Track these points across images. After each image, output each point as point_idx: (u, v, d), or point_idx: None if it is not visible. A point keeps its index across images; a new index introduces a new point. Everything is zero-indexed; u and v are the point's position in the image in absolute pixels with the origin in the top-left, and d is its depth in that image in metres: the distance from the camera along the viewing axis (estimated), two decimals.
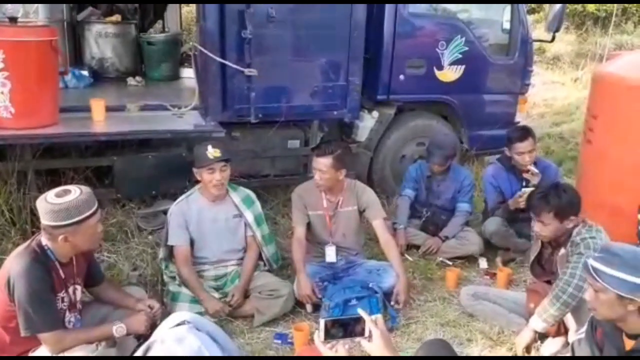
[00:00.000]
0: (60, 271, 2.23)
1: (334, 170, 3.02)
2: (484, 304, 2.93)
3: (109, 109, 3.49)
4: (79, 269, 2.35)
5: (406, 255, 3.56)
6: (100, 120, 3.38)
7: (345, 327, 1.62)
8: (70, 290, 2.30)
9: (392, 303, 2.93)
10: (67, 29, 4.65)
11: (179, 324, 1.99)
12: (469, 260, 3.63)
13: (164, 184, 3.56)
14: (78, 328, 2.30)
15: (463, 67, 4.42)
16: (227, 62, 3.48)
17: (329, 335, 1.61)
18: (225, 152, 2.87)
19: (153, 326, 2.41)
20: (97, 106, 3.39)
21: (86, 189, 2.22)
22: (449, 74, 4.41)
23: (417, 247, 3.74)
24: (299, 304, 2.98)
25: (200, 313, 2.80)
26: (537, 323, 2.47)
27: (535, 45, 6.03)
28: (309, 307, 2.96)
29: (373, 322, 1.61)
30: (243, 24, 3.42)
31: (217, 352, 2.00)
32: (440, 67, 4.36)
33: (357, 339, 1.63)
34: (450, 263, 3.56)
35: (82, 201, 2.14)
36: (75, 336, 2.20)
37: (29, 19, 4.29)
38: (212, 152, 2.82)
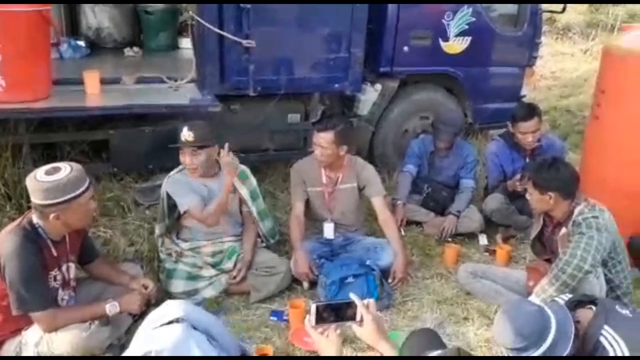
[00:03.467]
0: (53, 249, 2.21)
1: (335, 145, 2.97)
2: (483, 282, 2.90)
3: (104, 82, 3.41)
4: (72, 247, 2.34)
5: (402, 231, 3.49)
6: (94, 93, 3.30)
7: (337, 311, 1.61)
8: (64, 268, 2.29)
9: (389, 281, 2.91)
10: None
11: (171, 322, 1.94)
12: (469, 236, 3.59)
13: (161, 158, 3.50)
14: (71, 306, 2.30)
15: (469, 38, 4.28)
16: (224, 33, 3.38)
17: (320, 319, 1.60)
18: (203, 135, 2.76)
19: (148, 304, 2.41)
20: (91, 79, 3.31)
21: (77, 166, 2.18)
22: (455, 45, 4.27)
23: (417, 223, 3.71)
24: (296, 281, 2.96)
25: (195, 290, 2.82)
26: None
27: (545, 15, 5.85)
28: (305, 285, 2.95)
29: (365, 307, 1.60)
30: None
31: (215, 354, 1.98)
32: (446, 39, 4.23)
33: (349, 323, 1.62)
34: (450, 239, 3.52)
35: (73, 179, 2.11)
36: (67, 315, 2.20)
37: None
38: (185, 134, 2.73)
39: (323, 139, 2.94)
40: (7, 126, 3.26)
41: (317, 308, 1.59)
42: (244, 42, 3.40)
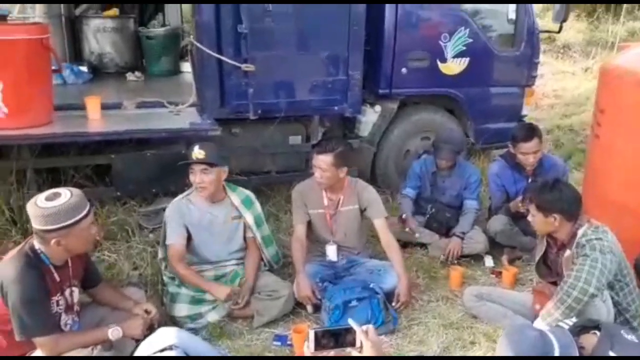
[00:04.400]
0: (55, 274, 2.20)
1: (335, 168, 2.96)
2: (488, 305, 2.86)
3: (105, 107, 3.45)
4: (75, 272, 2.33)
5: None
6: (95, 118, 3.33)
7: (336, 337, 1.59)
8: (67, 292, 2.28)
9: (393, 304, 2.88)
10: (65, 24, 4.61)
11: (164, 349, 1.92)
12: (475, 258, 3.56)
13: (164, 182, 3.52)
14: (74, 331, 2.29)
15: (467, 59, 4.32)
16: (223, 58, 3.41)
17: (319, 346, 1.58)
18: (214, 155, 2.78)
19: (151, 328, 2.39)
20: (92, 104, 3.34)
21: (77, 191, 2.18)
22: (453, 66, 4.31)
23: (421, 245, 3.68)
24: (299, 305, 2.93)
25: (199, 314, 2.80)
26: (541, 327, 2.40)
27: (545, 34, 5.89)
28: (309, 308, 2.91)
29: (364, 333, 1.58)
30: (238, 18, 3.35)
31: None
32: (444, 60, 4.27)
33: (348, 349, 1.60)
34: (455, 261, 3.48)
35: (72, 204, 2.11)
36: (70, 340, 2.19)
37: (26, 15, 4.25)
38: (196, 152, 2.75)
39: (322, 162, 2.94)
40: (11, 152, 3.29)
41: (316, 334, 1.58)
42: (243, 66, 3.44)
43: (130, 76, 4.61)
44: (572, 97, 7.49)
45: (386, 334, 2.73)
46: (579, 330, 1.88)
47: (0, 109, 2.98)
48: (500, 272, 3.34)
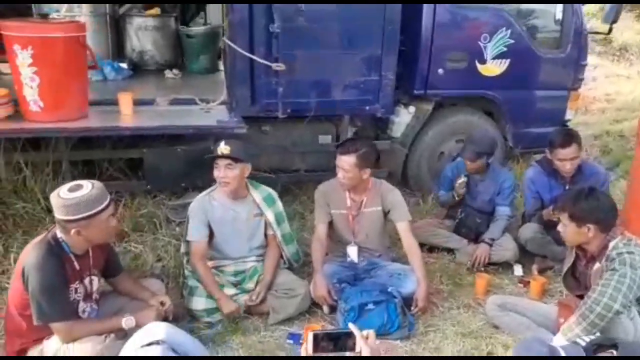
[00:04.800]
0: (75, 263, 2.28)
1: (358, 169, 2.92)
2: (512, 316, 2.74)
3: (139, 103, 3.54)
4: (96, 261, 2.40)
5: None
6: (127, 114, 3.43)
7: (336, 341, 1.56)
8: (86, 281, 2.35)
9: (411, 309, 2.81)
10: (109, 22, 4.77)
11: (151, 343, 1.95)
12: (503, 266, 3.43)
13: (193, 177, 3.59)
14: (89, 319, 2.36)
15: (508, 60, 4.16)
16: (254, 57, 3.44)
17: (318, 349, 1.55)
18: (239, 151, 2.80)
19: (165, 320, 2.44)
20: (125, 100, 3.44)
21: (98, 184, 2.25)
22: (493, 68, 4.16)
23: (449, 250, 3.58)
24: (316, 304, 2.91)
25: (216, 309, 2.82)
26: (561, 342, 2.28)
27: (601, 35, 5.62)
28: (325, 308, 2.89)
29: (364, 338, 1.54)
30: (271, 18, 3.36)
31: None
32: (483, 61, 4.13)
33: (348, 353, 1.56)
34: (482, 268, 3.37)
35: (93, 196, 2.18)
36: (85, 327, 2.26)
37: (73, 13, 4.44)
38: (221, 147, 2.77)
39: (345, 162, 2.91)
40: (49, 144, 3.44)
41: (315, 336, 1.55)
42: (274, 65, 3.45)
43: (168, 73, 4.72)
44: (626, 101, 7.10)
45: (401, 339, 2.67)
46: (595, 348, 1.77)
47: (36, 103, 3.12)
48: (529, 282, 3.20)
